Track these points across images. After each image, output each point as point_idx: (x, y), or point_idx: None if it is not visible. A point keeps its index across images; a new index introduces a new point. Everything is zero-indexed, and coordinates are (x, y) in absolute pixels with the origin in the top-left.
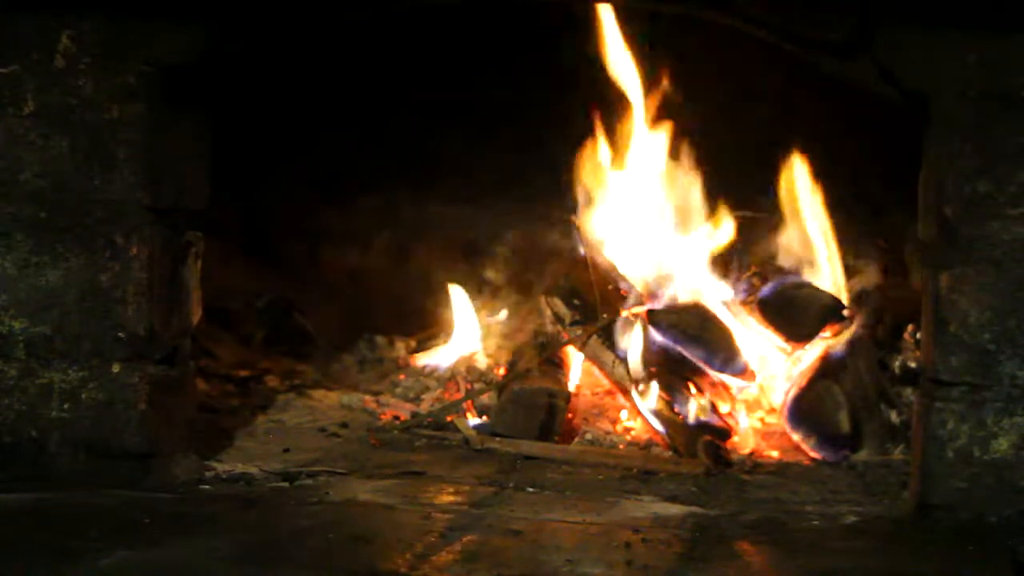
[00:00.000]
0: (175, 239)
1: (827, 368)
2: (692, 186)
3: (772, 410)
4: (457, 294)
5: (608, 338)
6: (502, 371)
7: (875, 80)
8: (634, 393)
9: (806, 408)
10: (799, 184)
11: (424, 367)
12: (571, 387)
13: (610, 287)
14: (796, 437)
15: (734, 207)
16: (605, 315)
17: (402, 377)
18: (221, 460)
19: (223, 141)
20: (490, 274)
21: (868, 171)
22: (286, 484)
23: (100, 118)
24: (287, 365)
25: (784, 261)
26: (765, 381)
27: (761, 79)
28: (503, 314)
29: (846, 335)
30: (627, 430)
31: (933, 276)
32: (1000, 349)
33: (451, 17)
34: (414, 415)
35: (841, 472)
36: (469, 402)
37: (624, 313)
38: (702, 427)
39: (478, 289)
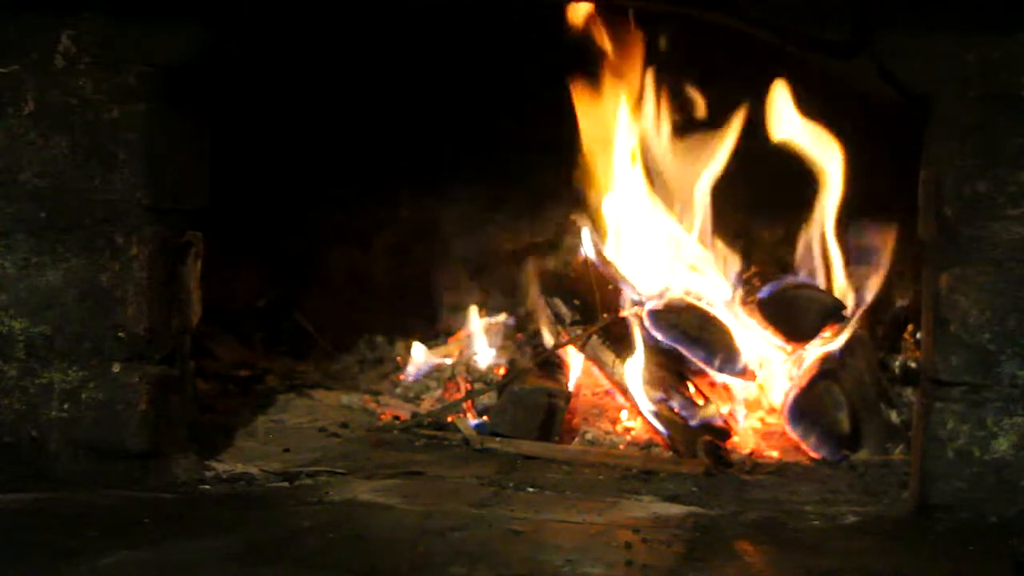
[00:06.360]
0: (175, 239)
1: (827, 368)
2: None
3: (772, 410)
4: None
5: (608, 338)
6: (502, 371)
7: (875, 80)
8: (634, 393)
9: (806, 408)
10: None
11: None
12: (571, 387)
13: (610, 287)
14: (796, 437)
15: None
16: (605, 315)
17: (402, 377)
18: (221, 460)
19: (223, 141)
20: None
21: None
22: (286, 484)
23: (100, 118)
24: (287, 365)
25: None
26: (765, 381)
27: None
28: (501, 316)
29: (846, 335)
30: (627, 430)
31: (933, 276)
32: (1000, 349)
33: (460, 18)
34: (414, 415)
35: (841, 472)
36: (469, 402)
37: (625, 314)
38: (702, 427)
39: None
